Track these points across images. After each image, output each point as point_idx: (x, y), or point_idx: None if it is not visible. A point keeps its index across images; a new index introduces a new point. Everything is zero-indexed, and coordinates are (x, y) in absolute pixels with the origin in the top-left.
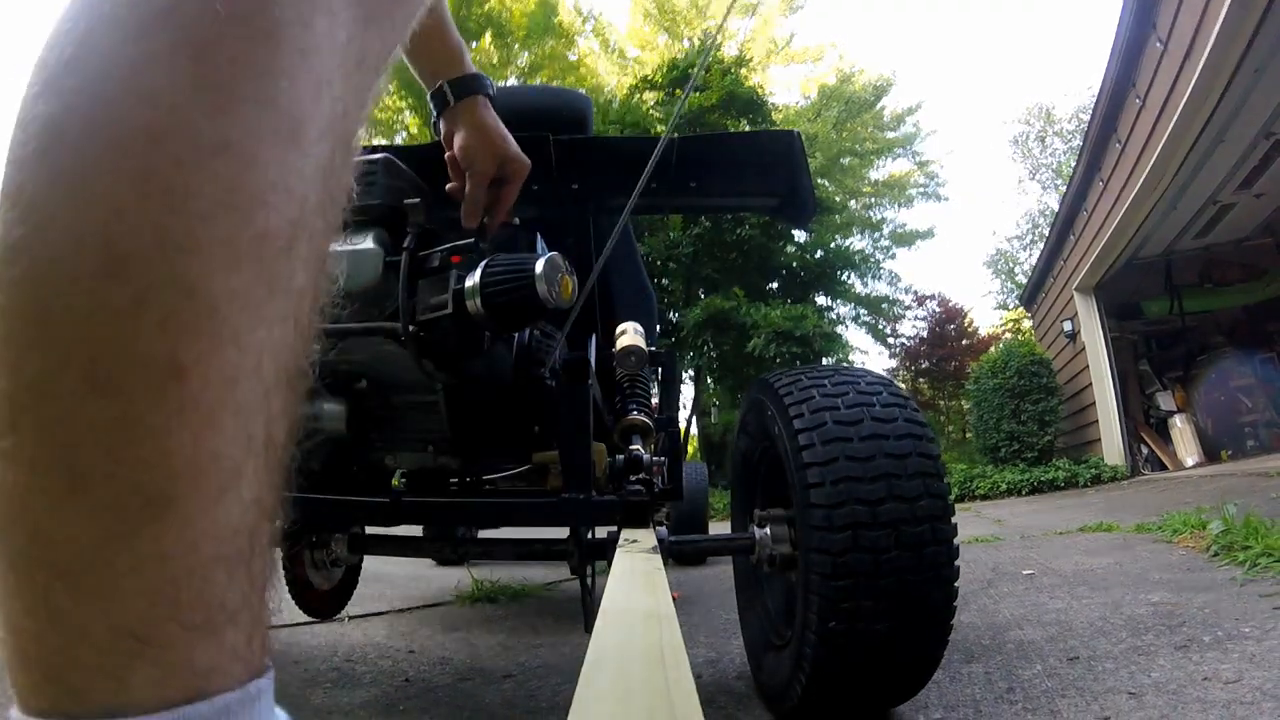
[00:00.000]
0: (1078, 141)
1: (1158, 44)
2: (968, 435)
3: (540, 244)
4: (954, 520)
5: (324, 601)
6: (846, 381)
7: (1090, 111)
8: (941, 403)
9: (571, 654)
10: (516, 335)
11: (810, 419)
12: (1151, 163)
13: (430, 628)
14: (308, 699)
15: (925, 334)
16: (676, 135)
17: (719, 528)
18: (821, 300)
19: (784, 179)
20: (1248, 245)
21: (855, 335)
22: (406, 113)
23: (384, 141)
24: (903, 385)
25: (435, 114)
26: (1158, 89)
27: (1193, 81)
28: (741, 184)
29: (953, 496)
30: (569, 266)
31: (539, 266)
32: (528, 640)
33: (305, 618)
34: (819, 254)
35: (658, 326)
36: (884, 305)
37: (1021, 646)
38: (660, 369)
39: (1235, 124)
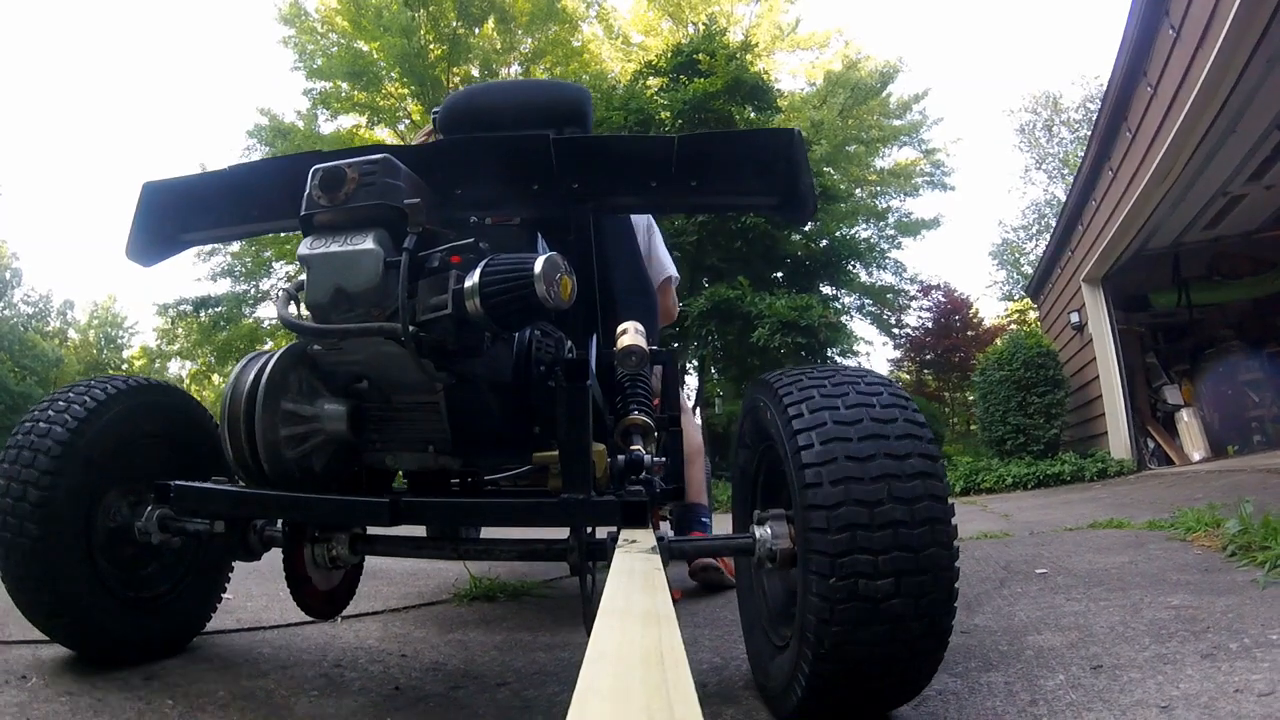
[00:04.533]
0: (1085, 131)
1: (1170, 31)
2: (973, 428)
3: (540, 243)
4: (946, 479)
5: (323, 601)
6: (833, 369)
7: (1099, 100)
8: (946, 394)
9: (570, 658)
10: (516, 335)
11: (798, 395)
12: (1162, 153)
13: (425, 629)
14: (291, 708)
15: (930, 325)
16: (676, 135)
17: (722, 519)
18: (827, 290)
19: (784, 177)
20: (1257, 238)
21: (860, 326)
22: (409, 100)
23: (387, 130)
24: (907, 376)
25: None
26: (1169, 78)
27: (1205, 71)
28: (742, 183)
29: (958, 490)
30: (568, 266)
31: (538, 266)
32: (525, 643)
33: (296, 619)
34: (824, 243)
35: (660, 323)
36: (889, 295)
37: (1041, 653)
38: (662, 368)
39: (1247, 115)
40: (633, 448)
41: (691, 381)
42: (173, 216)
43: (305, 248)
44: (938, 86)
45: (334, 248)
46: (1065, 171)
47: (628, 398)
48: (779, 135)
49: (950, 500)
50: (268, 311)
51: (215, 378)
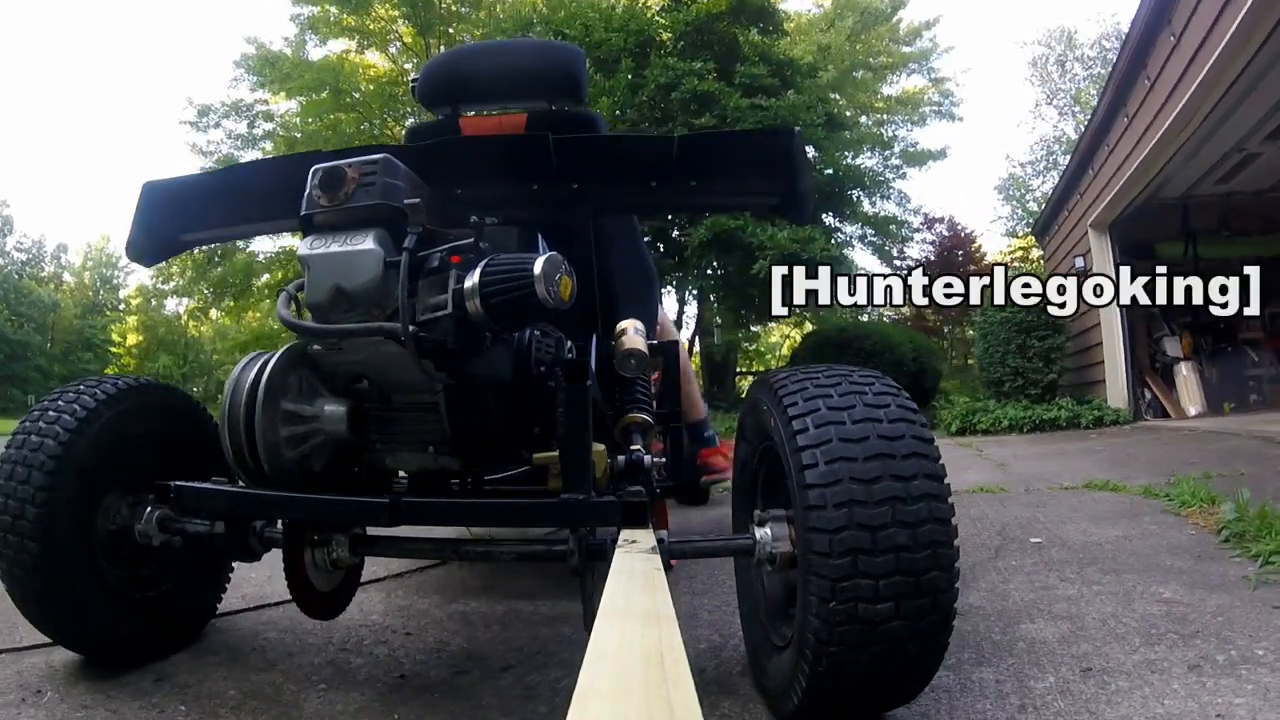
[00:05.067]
0: (1099, 69)
1: None
2: (970, 362)
3: (540, 243)
4: (949, 498)
5: (325, 602)
6: (840, 374)
7: (1116, 40)
8: (946, 329)
9: (572, 635)
10: (516, 335)
11: (803, 406)
12: (1181, 105)
13: (427, 599)
14: (301, 706)
15: (933, 258)
16: (677, 135)
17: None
18: (830, 220)
19: (784, 177)
20: (1269, 196)
21: (862, 257)
22: (399, 21)
23: (377, 54)
24: (907, 310)
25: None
26: (1194, 30)
27: (1233, 26)
28: (741, 182)
29: (954, 429)
30: (568, 266)
31: (538, 266)
32: (526, 615)
33: None
34: (828, 172)
35: (660, 308)
36: (892, 226)
37: (1033, 647)
38: (663, 358)
39: (1271, 74)
40: (633, 447)
41: (691, 310)
42: (173, 217)
43: (305, 247)
44: (949, 14)
45: (334, 248)
46: (1076, 109)
47: (625, 396)
48: (779, 135)
49: (954, 520)
50: (262, 245)
51: (213, 313)
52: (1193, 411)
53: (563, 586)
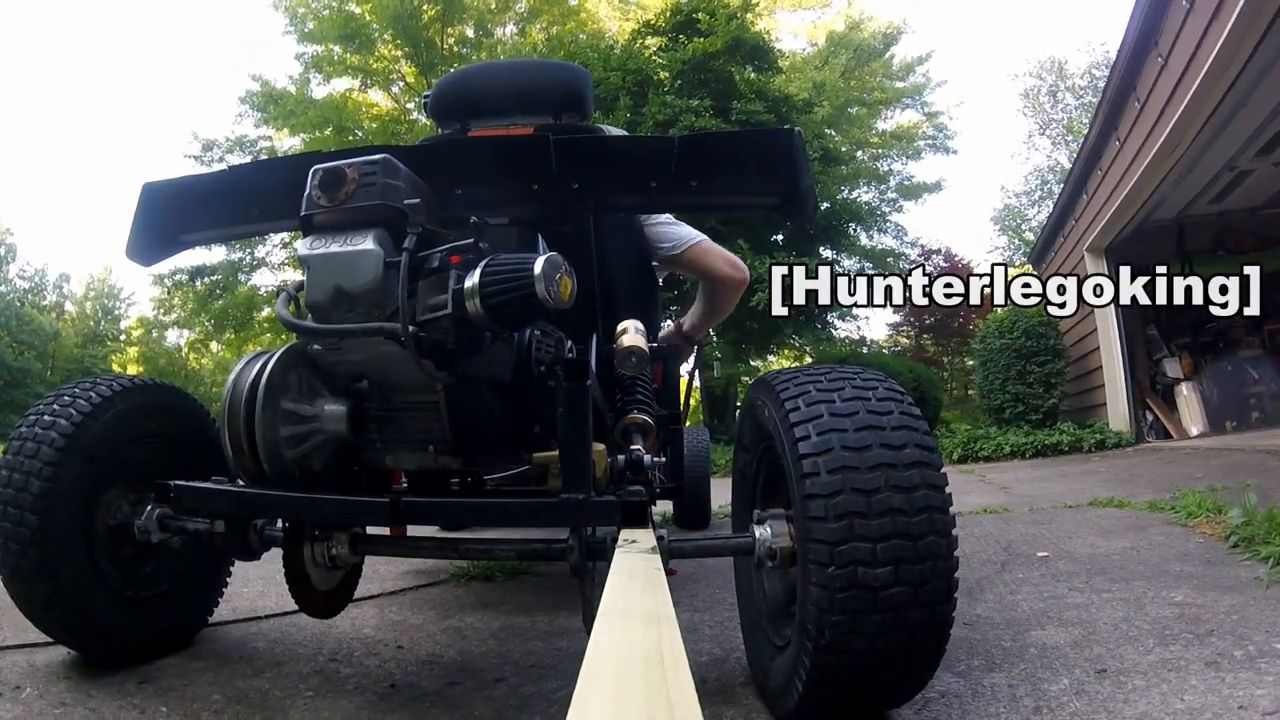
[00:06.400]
0: (1090, 98)
1: (1184, 2)
2: (970, 393)
3: (541, 243)
4: (942, 468)
5: (323, 600)
6: (829, 366)
7: (1106, 68)
8: (945, 359)
9: (567, 648)
10: (516, 335)
11: (795, 390)
12: (1171, 125)
13: (421, 615)
14: (286, 712)
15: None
16: (677, 134)
17: (721, 484)
18: (827, 253)
19: (784, 178)
20: (1263, 214)
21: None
22: (402, 62)
23: (380, 93)
24: (906, 341)
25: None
26: (1181, 50)
27: (1219, 44)
28: (742, 182)
29: (955, 457)
30: (568, 266)
31: (538, 266)
32: (522, 630)
33: (293, 606)
34: (825, 206)
35: (661, 318)
36: (889, 259)
37: (1045, 652)
38: (663, 364)
39: (1259, 89)
40: (633, 447)
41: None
42: (172, 217)
43: (305, 248)
44: (941, 49)
45: (334, 248)
46: (1069, 138)
47: (627, 397)
48: (779, 135)
49: (948, 489)
50: (264, 279)
51: (214, 345)
52: (1195, 431)
53: (561, 603)
